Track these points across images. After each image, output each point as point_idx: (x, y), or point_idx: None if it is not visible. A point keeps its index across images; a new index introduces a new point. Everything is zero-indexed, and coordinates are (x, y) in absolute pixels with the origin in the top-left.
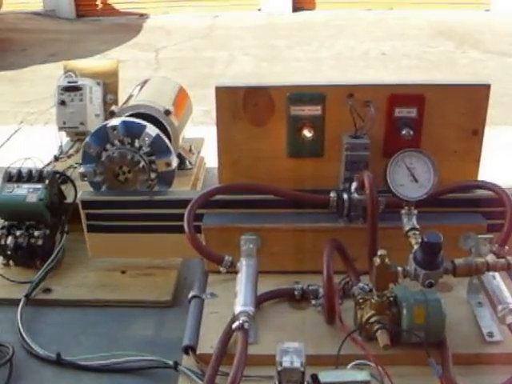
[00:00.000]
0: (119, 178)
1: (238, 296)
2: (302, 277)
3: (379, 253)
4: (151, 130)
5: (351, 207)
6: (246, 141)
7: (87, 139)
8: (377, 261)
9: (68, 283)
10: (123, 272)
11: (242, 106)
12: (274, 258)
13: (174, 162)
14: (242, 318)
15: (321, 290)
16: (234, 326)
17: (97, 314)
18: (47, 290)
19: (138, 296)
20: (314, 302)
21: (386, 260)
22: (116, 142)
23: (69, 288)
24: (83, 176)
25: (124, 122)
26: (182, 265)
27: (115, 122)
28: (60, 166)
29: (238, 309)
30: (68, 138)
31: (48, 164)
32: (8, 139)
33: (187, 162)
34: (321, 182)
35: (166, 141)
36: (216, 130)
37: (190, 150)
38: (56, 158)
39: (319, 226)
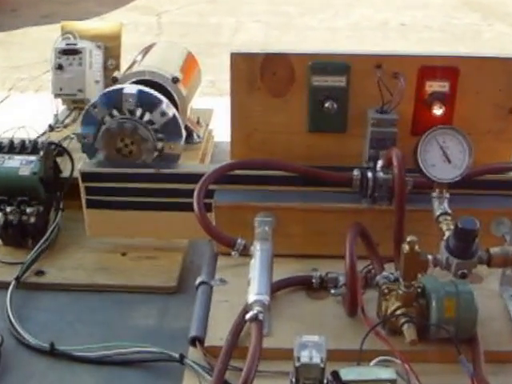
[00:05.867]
0: (123, 153)
1: (251, 284)
2: (319, 262)
3: (408, 239)
4: (130, 89)
5: (376, 187)
6: (262, 113)
7: (78, 130)
8: (405, 248)
9: (63, 265)
10: (124, 254)
11: (259, 74)
12: (290, 241)
13: (170, 109)
14: (257, 308)
15: (341, 279)
16: (248, 316)
17: (94, 300)
18: (40, 273)
19: (139, 281)
20: (333, 291)
21: (416, 247)
22: (106, 118)
23: (63, 271)
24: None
25: (102, 95)
26: (188, 247)
27: (93, 100)
28: (55, 137)
29: (251, 298)
30: (64, 106)
31: (42, 134)
32: None
33: (195, 135)
34: (342, 160)
35: (151, 91)
36: (230, 101)
37: (198, 122)
38: (51, 128)
39: (340, 206)
